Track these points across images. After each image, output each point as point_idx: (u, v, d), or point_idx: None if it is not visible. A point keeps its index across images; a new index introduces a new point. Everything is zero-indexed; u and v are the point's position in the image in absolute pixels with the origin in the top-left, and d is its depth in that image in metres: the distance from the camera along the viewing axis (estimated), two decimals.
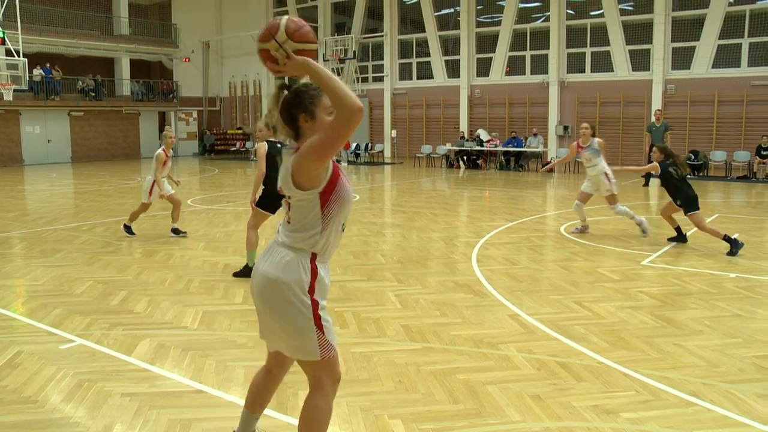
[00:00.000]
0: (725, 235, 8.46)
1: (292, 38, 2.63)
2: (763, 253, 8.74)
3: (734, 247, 8.37)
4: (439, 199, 15.25)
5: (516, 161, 23.97)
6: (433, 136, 29.26)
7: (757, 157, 20.84)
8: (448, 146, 25.61)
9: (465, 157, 24.82)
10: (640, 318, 5.72)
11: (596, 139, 10.03)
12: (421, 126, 29.97)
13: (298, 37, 2.65)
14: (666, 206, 9.20)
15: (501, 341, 5.09)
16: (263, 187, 7.12)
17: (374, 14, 31.79)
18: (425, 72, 30.34)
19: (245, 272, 7.01)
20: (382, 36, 30.89)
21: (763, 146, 20.93)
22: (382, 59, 31.20)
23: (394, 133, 29.73)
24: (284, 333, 2.84)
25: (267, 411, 3.76)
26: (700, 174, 21.67)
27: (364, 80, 32.00)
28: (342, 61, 31.38)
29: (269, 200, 7.08)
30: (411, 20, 30.87)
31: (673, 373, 4.49)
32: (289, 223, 2.87)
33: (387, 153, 30.31)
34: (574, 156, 10.37)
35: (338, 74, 32.16)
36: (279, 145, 7.10)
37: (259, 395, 3.24)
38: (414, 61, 30.60)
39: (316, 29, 32.95)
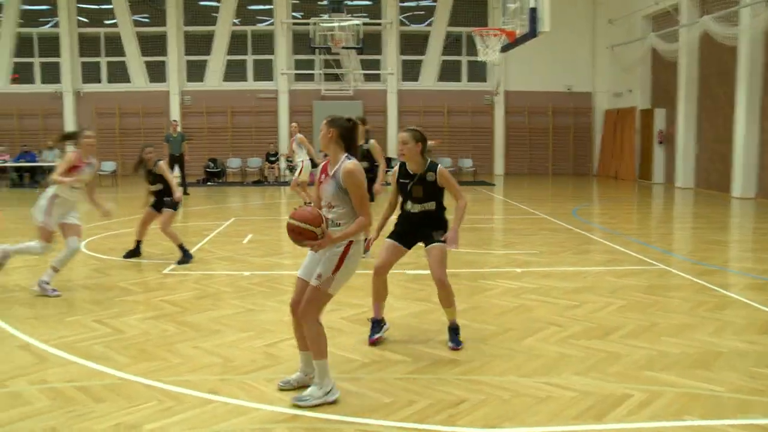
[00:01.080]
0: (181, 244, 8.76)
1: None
2: (273, 250, 9.70)
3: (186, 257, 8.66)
4: None
5: (31, 177, 22.03)
6: None
7: (267, 162, 23.15)
8: None
9: None
10: (162, 327, 5.78)
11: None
12: None
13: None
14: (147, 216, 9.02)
15: (9, 377, 4.58)
16: None
17: None
18: None
19: None
20: None
21: (270, 153, 23.29)
22: None
23: None
24: None
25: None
26: (220, 180, 23.08)
27: None
28: None
29: None
30: None
31: (193, 375, 4.63)
32: None
33: None
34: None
35: None
36: None
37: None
38: None
39: None
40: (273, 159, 23.28)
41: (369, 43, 24.53)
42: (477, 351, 5.17)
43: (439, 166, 5.22)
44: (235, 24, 25.37)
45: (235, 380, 4.54)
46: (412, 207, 5.25)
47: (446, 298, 5.26)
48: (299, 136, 13.41)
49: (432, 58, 25.75)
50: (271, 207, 16.45)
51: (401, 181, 5.28)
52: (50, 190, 7.02)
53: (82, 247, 9.82)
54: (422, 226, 5.26)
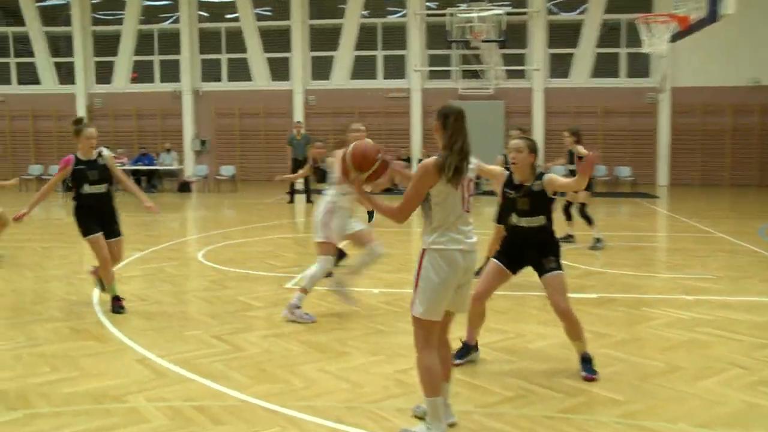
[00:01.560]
0: None
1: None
2: (404, 265, 9.78)
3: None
4: (53, 229, 14.23)
5: (148, 180, 23.51)
6: (45, 154, 27.17)
7: None
8: None
9: None
10: (284, 345, 5.96)
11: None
12: (27, 142, 27.66)
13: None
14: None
15: (127, 392, 4.87)
16: None
17: None
18: (29, 76, 28.09)
19: None
20: None
21: (402, 158, 23.51)
22: None
23: None
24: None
25: None
26: None
27: None
28: None
29: None
30: (4, 8, 28.35)
31: (318, 401, 4.73)
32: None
33: None
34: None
35: None
36: None
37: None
38: (13, 60, 28.15)
39: None
40: (405, 165, 23.55)
41: (512, 35, 24.35)
42: (639, 391, 4.95)
43: (547, 174, 5.25)
44: (363, 16, 25.97)
45: (364, 409, 4.59)
46: (518, 221, 5.32)
47: (574, 330, 5.23)
48: (368, 141, 13.45)
49: (585, 51, 25.16)
50: None
51: (506, 191, 5.37)
52: (324, 201, 7.08)
53: (200, 257, 10.35)
54: (531, 246, 5.31)
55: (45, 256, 10.69)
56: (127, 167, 23.46)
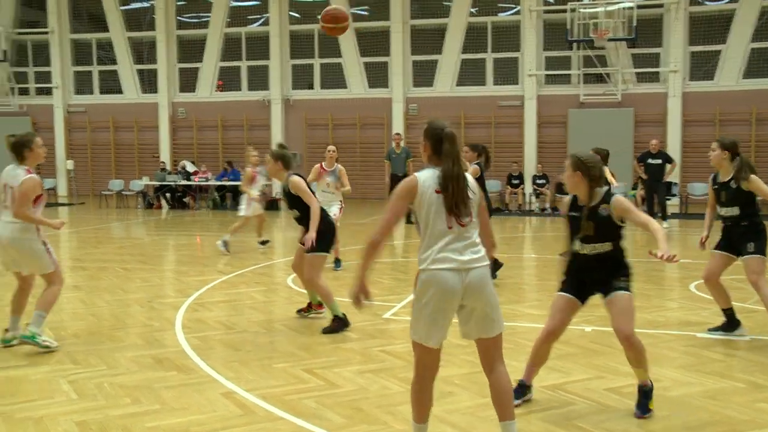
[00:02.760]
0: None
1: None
2: (515, 296, 9.71)
3: None
4: (134, 249, 14.81)
5: (233, 198, 24.16)
6: (126, 168, 28.40)
7: (509, 186, 23.23)
8: (146, 181, 25.05)
9: (168, 195, 24.46)
10: (382, 383, 6.01)
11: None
12: (108, 155, 28.98)
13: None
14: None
15: (212, 429, 5.02)
16: None
17: (34, 2, 30.26)
18: (112, 84, 29.50)
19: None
20: (47, 33, 29.48)
21: (513, 174, 23.39)
22: (49, 64, 29.74)
23: (70, 164, 28.36)
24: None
25: None
26: None
27: (24, 92, 30.20)
28: None
29: None
30: (89, 14, 29.94)
31: None
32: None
33: (62, 190, 28.79)
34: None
35: None
36: None
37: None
38: (96, 68, 29.62)
39: None
40: (516, 183, 23.41)
41: (645, 32, 23.89)
42: None
43: (616, 195, 5.18)
44: (471, 15, 26.04)
45: None
46: (582, 248, 5.31)
47: (636, 357, 5.27)
48: (339, 167, 12.37)
49: (735, 47, 24.23)
50: (512, 242, 16.50)
51: (571, 214, 5.39)
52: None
53: (289, 282, 10.57)
54: (596, 272, 5.31)
55: (126, 279, 11.13)
56: (211, 183, 24.27)
